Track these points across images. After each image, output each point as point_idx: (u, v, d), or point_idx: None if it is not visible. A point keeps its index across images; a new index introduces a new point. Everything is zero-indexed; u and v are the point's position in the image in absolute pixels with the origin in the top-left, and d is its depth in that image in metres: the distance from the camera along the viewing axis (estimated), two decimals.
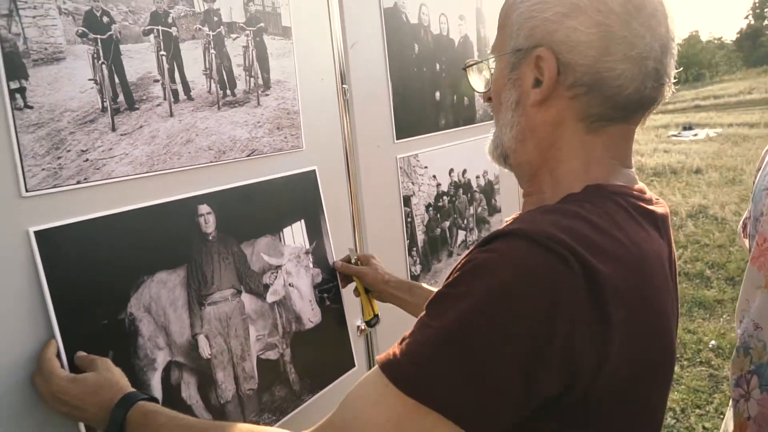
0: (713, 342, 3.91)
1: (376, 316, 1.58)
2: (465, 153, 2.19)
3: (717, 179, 8.78)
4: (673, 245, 0.89)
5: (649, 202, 0.85)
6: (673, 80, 0.84)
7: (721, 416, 3.13)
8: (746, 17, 65.59)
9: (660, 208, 0.86)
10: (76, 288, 0.99)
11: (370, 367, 1.75)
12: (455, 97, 2.16)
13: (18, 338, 0.93)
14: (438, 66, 2.06)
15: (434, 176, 2.05)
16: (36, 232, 0.93)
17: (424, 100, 2.00)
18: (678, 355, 3.82)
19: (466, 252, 0.76)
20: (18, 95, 0.91)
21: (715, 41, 63.50)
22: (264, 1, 1.36)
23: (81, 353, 0.99)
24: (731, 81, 35.80)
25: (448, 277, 0.76)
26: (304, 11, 1.49)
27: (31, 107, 0.92)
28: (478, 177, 2.29)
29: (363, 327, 1.73)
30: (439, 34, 2.07)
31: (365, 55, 1.74)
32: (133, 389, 0.96)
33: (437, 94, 2.07)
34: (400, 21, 1.87)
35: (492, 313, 0.68)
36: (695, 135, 13.98)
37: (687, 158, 10.48)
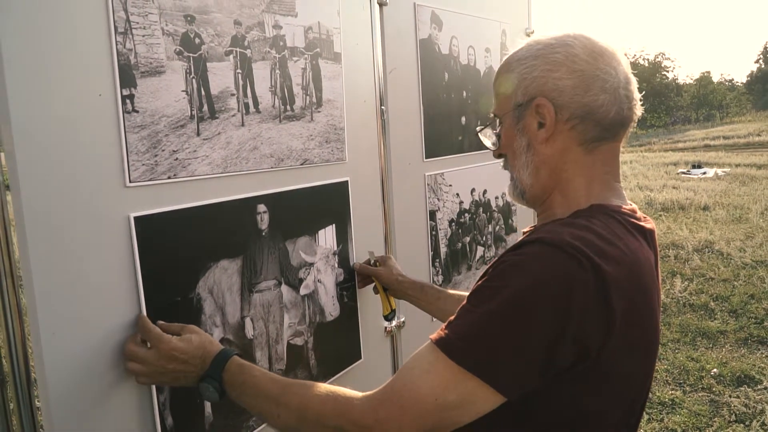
0: (715, 370, 4.02)
1: (393, 311, 1.76)
2: (486, 175, 2.36)
3: (724, 216, 8.91)
4: (658, 254, 1.11)
5: (639, 219, 1.06)
6: (639, 102, 1.08)
7: None
8: (757, 61, 66.06)
9: (648, 225, 1.07)
10: (160, 268, 1.15)
11: (395, 363, 1.91)
12: (479, 123, 2.34)
13: (112, 305, 1.08)
14: (465, 93, 2.24)
15: (457, 194, 2.22)
16: (135, 218, 1.10)
17: (451, 123, 2.17)
18: (681, 381, 3.94)
19: (494, 259, 0.99)
20: (128, 101, 1.08)
21: (726, 83, 63.98)
22: (320, 29, 1.54)
23: (166, 323, 1.15)
24: (740, 122, 36.03)
25: (483, 276, 0.97)
26: (352, 40, 1.68)
27: (137, 111, 1.10)
28: (497, 198, 2.46)
29: (389, 328, 1.88)
30: (467, 64, 2.25)
31: (402, 80, 1.92)
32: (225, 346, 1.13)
33: (463, 119, 2.24)
34: (433, 51, 2.06)
35: (525, 301, 0.88)
36: (704, 173, 14.12)
37: (695, 195, 10.62)
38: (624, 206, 1.05)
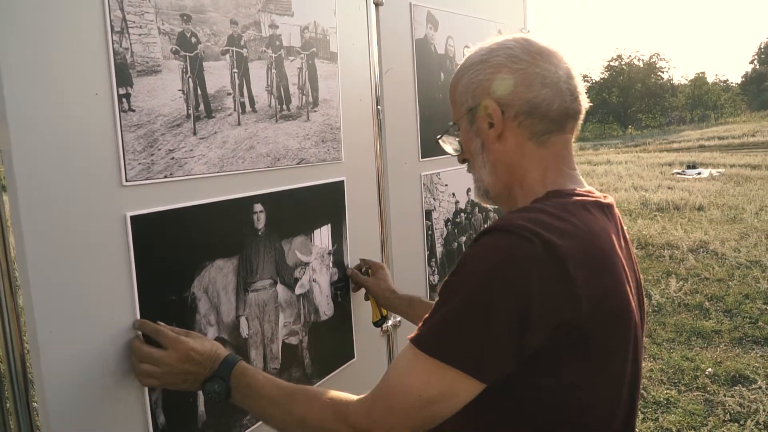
0: (710, 369, 4.04)
1: (383, 317, 1.76)
2: None
3: (718, 216, 8.94)
4: (623, 225, 1.16)
5: (596, 197, 1.11)
6: (584, 93, 1.13)
7: None
8: (751, 61, 66.26)
9: (605, 200, 1.12)
10: (155, 266, 1.16)
11: (391, 360, 1.91)
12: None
13: (106, 302, 1.08)
14: None
15: (453, 194, 2.22)
16: (131, 217, 1.10)
17: (446, 123, 2.17)
18: (676, 380, 3.95)
19: None
20: (124, 100, 1.08)
21: (721, 83, 64.10)
22: (316, 29, 1.55)
23: (170, 328, 1.16)
24: (735, 123, 36.13)
25: (453, 269, 1.01)
26: (348, 40, 1.68)
27: (133, 110, 1.10)
28: None
29: (386, 327, 1.89)
30: None
31: (398, 80, 1.92)
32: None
33: None
34: (429, 51, 2.06)
35: (485, 288, 0.93)
36: (699, 174, 14.16)
37: (690, 195, 10.65)
38: (579, 189, 1.10)
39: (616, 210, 1.15)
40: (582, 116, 1.14)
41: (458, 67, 1.18)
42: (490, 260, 0.94)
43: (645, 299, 1.20)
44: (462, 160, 1.22)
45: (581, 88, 1.12)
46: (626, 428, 1.09)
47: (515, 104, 1.08)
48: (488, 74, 1.09)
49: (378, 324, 1.77)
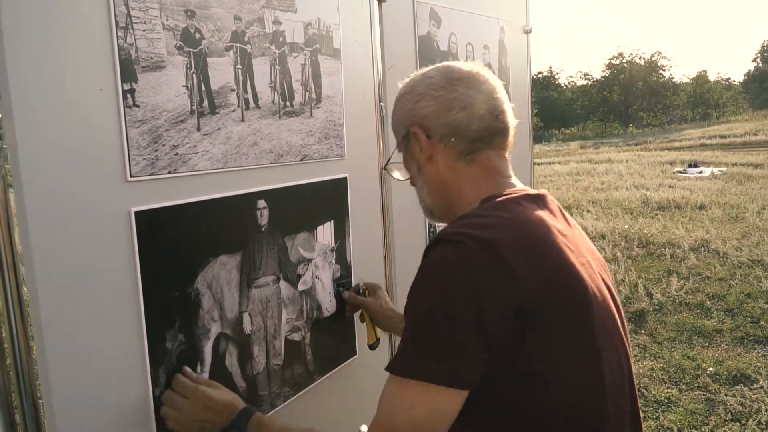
0: (711, 369, 4.04)
1: (377, 340, 1.76)
2: None
3: (720, 215, 8.94)
4: (558, 211, 1.22)
5: (525, 191, 1.18)
6: (509, 110, 1.22)
7: None
8: (754, 60, 66.17)
9: (539, 193, 1.20)
10: (159, 262, 1.16)
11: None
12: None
13: (110, 297, 1.08)
14: None
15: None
16: (136, 212, 1.10)
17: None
18: (677, 380, 3.95)
19: None
20: (129, 95, 1.08)
21: (723, 81, 64.01)
22: (320, 25, 1.55)
23: (194, 375, 1.24)
24: (737, 122, 36.06)
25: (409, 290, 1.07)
26: (351, 36, 1.68)
27: (138, 106, 1.10)
28: None
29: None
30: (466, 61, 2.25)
31: (400, 77, 1.91)
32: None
33: None
34: (432, 48, 2.06)
35: (437, 302, 0.99)
36: (700, 172, 14.15)
37: (691, 194, 10.65)
38: (510, 189, 1.17)
39: (551, 198, 1.22)
40: (511, 131, 1.23)
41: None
42: (433, 274, 1.02)
43: (615, 286, 1.25)
44: (413, 184, 1.30)
45: (506, 105, 1.21)
46: (625, 416, 1.11)
47: (438, 128, 1.18)
48: (413, 103, 1.21)
49: (373, 347, 1.77)
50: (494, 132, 1.19)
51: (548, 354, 1.01)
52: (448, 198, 1.22)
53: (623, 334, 1.16)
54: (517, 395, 1.02)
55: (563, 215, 1.22)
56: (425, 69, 1.25)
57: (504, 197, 1.13)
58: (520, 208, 1.10)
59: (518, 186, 1.20)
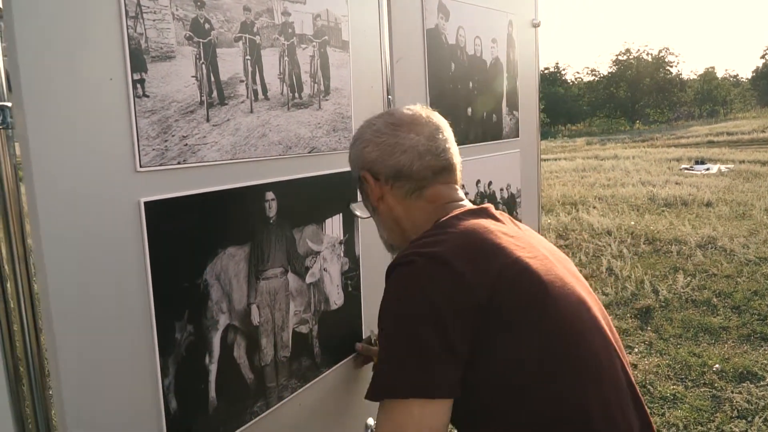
0: (717, 366, 4.03)
1: None
2: (491, 166, 2.35)
3: (727, 213, 8.89)
4: (507, 218, 1.29)
5: (468, 208, 1.25)
6: (453, 146, 1.32)
7: None
8: (762, 56, 65.73)
9: (481, 207, 1.27)
10: (168, 253, 1.16)
11: None
12: (485, 114, 2.33)
13: (120, 287, 1.09)
14: (471, 84, 2.24)
15: (463, 185, 2.21)
16: (145, 203, 1.10)
17: (457, 114, 2.17)
18: (683, 376, 3.94)
19: None
20: (139, 85, 1.08)
21: (731, 78, 63.62)
22: (328, 17, 1.54)
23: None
24: (745, 119, 35.88)
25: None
26: (360, 28, 1.68)
27: (147, 96, 1.09)
28: (502, 189, 2.45)
29: None
30: (474, 55, 2.25)
31: (408, 70, 1.92)
32: None
33: (469, 109, 2.24)
34: (440, 41, 2.05)
35: (401, 320, 1.06)
36: (707, 169, 14.08)
37: (698, 191, 10.59)
38: (456, 210, 1.24)
39: (494, 210, 1.29)
40: (457, 167, 1.31)
41: None
42: (393, 295, 1.10)
43: (595, 295, 1.27)
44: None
45: (450, 143, 1.30)
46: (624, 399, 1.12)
47: (383, 171, 1.27)
48: (360, 149, 1.30)
49: None
50: (437, 170, 1.26)
51: (520, 340, 1.05)
52: (403, 230, 1.30)
53: (603, 322, 1.19)
54: (504, 390, 1.05)
55: (512, 221, 1.30)
56: (371, 117, 1.34)
57: (448, 217, 1.21)
58: (463, 222, 1.17)
59: (467, 206, 1.27)
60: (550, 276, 1.12)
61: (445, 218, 1.20)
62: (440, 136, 1.29)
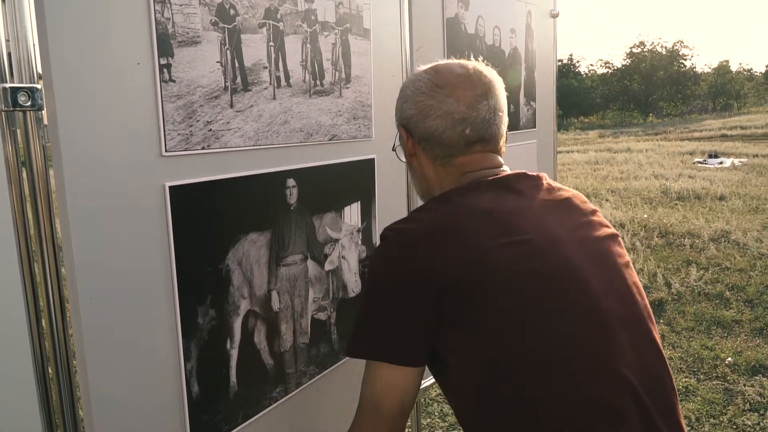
0: (730, 359, 4.02)
1: None
2: (507, 156, 2.34)
3: (740, 206, 8.84)
4: (536, 188, 1.25)
5: (496, 175, 1.24)
6: (494, 118, 1.25)
7: (735, 427, 3.25)
8: None
9: (510, 175, 1.25)
10: (192, 238, 1.16)
11: None
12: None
13: (144, 271, 1.10)
14: None
15: None
16: (170, 187, 1.11)
17: None
18: (695, 369, 3.93)
19: None
20: (165, 70, 1.08)
21: (745, 72, 62.99)
22: (350, 4, 1.54)
23: None
24: (759, 113, 35.55)
25: None
26: (381, 16, 1.67)
27: (174, 81, 1.10)
28: None
29: None
30: (492, 44, 2.24)
31: (428, 59, 1.90)
32: None
33: None
34: (459, 30, 2.05)
35: (370, 289, 1.16)
36: (721, 163, 13.98)
37: (711, 185, 10.53)
38: (484, 174, 1.23)
39: (518, 180, 1.24)
40: (498, 136, 1.27)
41: None
42: (374, 266, 1.18)
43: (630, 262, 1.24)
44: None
45: (492, 113, 1.23)
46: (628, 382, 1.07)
47: (417, 131, 1.27)
48: (402, 104, 1.31)
49: None
50: (471, 140, 1.24)
51: (470, 336, 1.06)
52: (430, 187, 1.31)
53: (634, 293, 1.16)
54: (467, 369, 1.08)
55: (547, 187, 1.26)
56: (423, 67, 1.31)
57: (451, 189, 1.22)
58: (471, 195, 1.18)
59: (498, 172, 1.26)
60: (531, 264, 1.08)
61: (448, 190, 1.22)
62: (484, 103, 1.23)
